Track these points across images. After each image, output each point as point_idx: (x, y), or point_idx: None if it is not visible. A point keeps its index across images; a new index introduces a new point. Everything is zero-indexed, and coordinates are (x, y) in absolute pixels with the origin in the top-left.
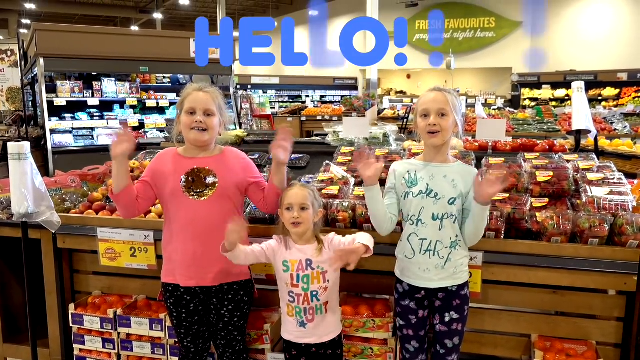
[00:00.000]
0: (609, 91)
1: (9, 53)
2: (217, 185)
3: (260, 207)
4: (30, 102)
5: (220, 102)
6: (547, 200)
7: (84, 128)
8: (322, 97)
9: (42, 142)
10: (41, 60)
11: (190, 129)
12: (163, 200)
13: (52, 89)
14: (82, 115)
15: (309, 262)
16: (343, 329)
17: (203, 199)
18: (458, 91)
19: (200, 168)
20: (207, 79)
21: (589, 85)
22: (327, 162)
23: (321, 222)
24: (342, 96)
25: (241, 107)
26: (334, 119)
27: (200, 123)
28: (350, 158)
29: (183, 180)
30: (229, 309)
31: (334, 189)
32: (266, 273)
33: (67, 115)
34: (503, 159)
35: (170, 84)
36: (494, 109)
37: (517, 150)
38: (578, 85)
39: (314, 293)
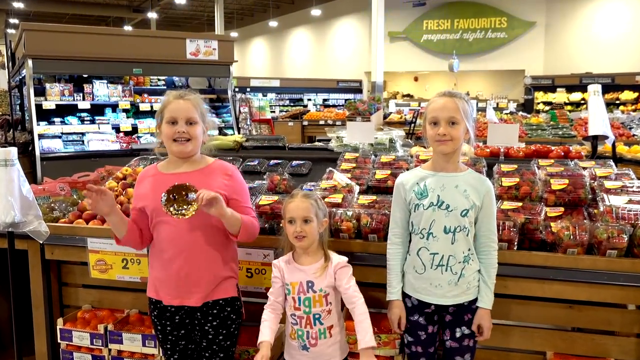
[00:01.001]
0: (627, 95)
1: None
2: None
3: None
4: (18, 106)
5: (201, 108)
6: (562, 209)
7: (74, 133)
8: (324, 100)
9: (30, 148)
10: (29, 62)
11: (173, 140)
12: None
13: (40, 91)
14: (72, 120)
15: (310, 284)
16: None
17: (186, 217)
18: (468, 94)
19: (181, 185)
20: (203, 82)
21: (606, 89)
22: (330, 168)
23: (327, 232)
24: (345, 99)
25: (239, 111)
26: (337, 123)
27: (183, 133)
28: (354, 165)
29: (164, 198)
30: (214, 325)
31: (337, 198)
32: (265, 286)
33: (57, 120)
34: (515, 166)
35: (165, 87)
36: (506, 113)
37: (530, 157)
38: (594, 89)
39: (317, 316)
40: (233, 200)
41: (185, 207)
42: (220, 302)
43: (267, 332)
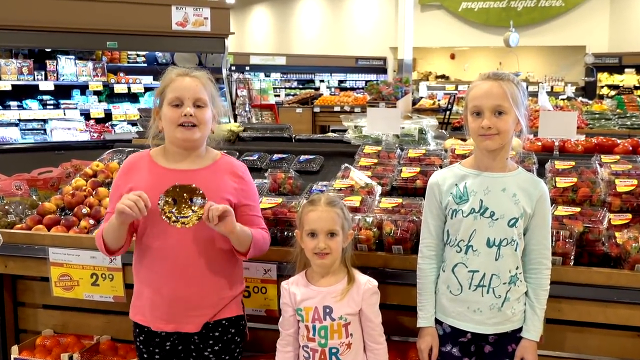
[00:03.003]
0: None
1: None
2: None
3: None
4: None
5: (212, 89)
6: (629, 216)
7: (35, 120)
8: (340, 82)
9: None
10: None
11: (177, 125)
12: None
13: None
14: (32, 104)
15: (327, 310)
16: None
17: (187, 226)
18: (518, 76)
19: (185, 186)
20: (193, 58)
21: None
22: (346, 165)
23: (351, 246)
24: (366, 81)
25: (236, 95)
26: (355, 110)
27: (190, 117)
28: (376, 160)
29: (162, 201)
30: (215, 350)
31: (354, 200)
32: (266, 308)
33: (13, 104)
34: (573, 163)
35: (145, 64)
36: (562, 99)
37: (591, 152)
38: None
39: (334, 351)
40: (243, 208)
41: (187, 214)
42: (224, 322)
43: None
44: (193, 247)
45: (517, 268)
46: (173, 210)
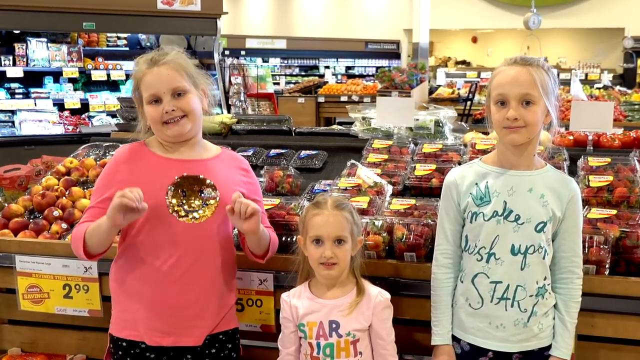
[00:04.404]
0: None
1: None
2: (217, 202)
3: (242, 243)
4: None
5: (189, 69)
6: None
7: (1, 111)
8: (348, 68)
9: None
10: None
11: (163, 123)
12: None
13: None
14: None
15: (334, 326)
16: None
17: (198, 221)
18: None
19: (192, 177)
20: (181, 41)
21: None
22: (353, 161)
23: (361, 253)
24: (377, 67)
25: (230, 82)
26: (364, 100)
27: (173, 112)
28: (386, 156)
29: (170, 193)
30: None
31: (362, 201)
32: (262, 323)
33: None
34: (609, 159)
35: (127, 48)
36: (598, 88)
37: (629, 147)
38: None
39: None
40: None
41: (198, 208)
42: (221, 337)
43: None
44: (203, 245)
45: (545, 279)
46: (182, 204)
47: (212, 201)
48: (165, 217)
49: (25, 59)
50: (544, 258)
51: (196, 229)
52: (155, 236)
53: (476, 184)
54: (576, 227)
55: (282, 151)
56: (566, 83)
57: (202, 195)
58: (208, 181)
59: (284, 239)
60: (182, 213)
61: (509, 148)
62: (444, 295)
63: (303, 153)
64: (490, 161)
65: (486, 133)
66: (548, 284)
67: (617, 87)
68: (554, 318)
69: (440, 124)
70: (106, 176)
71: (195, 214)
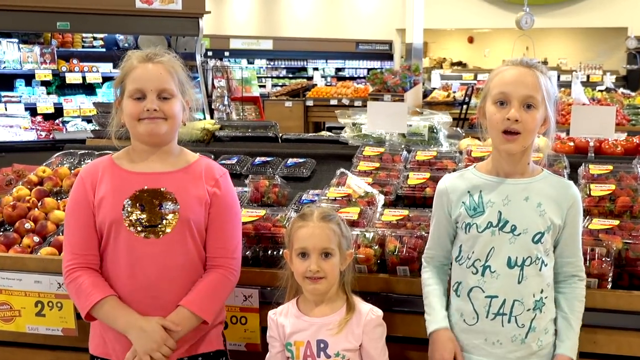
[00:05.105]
0: None
1: None
2: (177, 216)
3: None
4: None
5: (180, 75)
6: None
7: None
8: (338, 70)
9: None
10: None
11: (139, 119)
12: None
13: None
14: None
15: (322, 346)
16: None
17: (156, 237)
18: (546, 62)
19: (153, 190)
20: (161, 42)
21: None
22: (343, 170)
23: (351, 267)
24: (368, 69)
25: (213, 86)
26: (355, 103)
27: (154, 111)
28: (378, 164)
29: (127, 206)
30: None
31: (352, 212)
32: (247, 342)
33: None
34: (611, 167)
35: (103, 50)
36: (600, 90)
37: (632, 154)
38: None
39: None
40: (213, 226)
41: (156, 223)
42: (199, 359)
43: None
44: (163, 262)
45: (542, 292)
46: (140, 219)
47: (171, 216)
48: (125, 233)
49: None
50: (540, 270)
51: (156, 245)
52: (117, 253)
53: (469, 192)
54: (579, 232)
55: (268, 159)
56: (567, 85)
57: (161, 209)
58: (169, 194)
59: (269, 252)
60: (139, 228)
61: (504, 156)
62: (434, 290)
63: (290, 161)
64: (485, 169)
65: (482, 139)
66: (545, 297)
67: (620, 90)
68: (554, 334)
69: (435, 130)
70: (75, 198)
71: (154, 229)
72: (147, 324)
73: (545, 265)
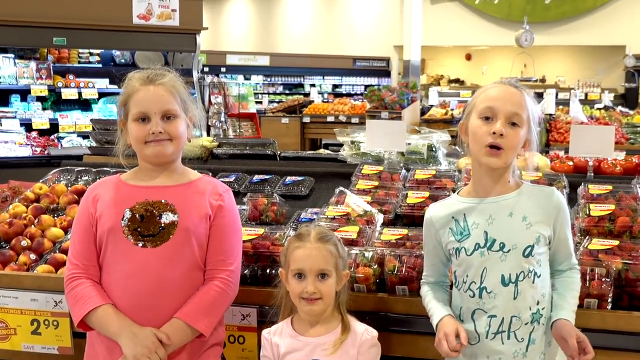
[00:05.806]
0: None
1: None
2: (176, 226)
3: None
4: None
5: (182, 94)
6: None
7: None
8: (335, 87)
9: None
10: None
11: (145, 142)
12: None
13: None
14: None
15: None
16: None
17: (155, 246)
18: (544, 80)
19: (153, 201)
20: (157, 58)
21: None
22: (341, 188)
23: (347, 288)
24: (366, 86)
25: (210, 102)
26: (352, 120)
27: (160, 134)
28: (377, 183)
29: (127, 216)
30: None
31: (351, 231)
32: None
33: None
34: (610, 187)
35: (100, 65)
36: (599, 109)
37: (632, 174)
38: None
39: None
40: (214, 238)
41: (155, 232)
42: None
43: None
44: (161, 272)
45: (537, 303)
46: (138, 229)
47: (170, 226)
48: (123, 242)
49: None
50: (533, 282)
51: (154, 255)
52: (115, 261)
53: (453, 219)
54: (568, 235)
55: (266, 177)
56: (565, 103)
57: (161, 219)
58: (170, 206)
59: (267, 271)
60: (139, 238)
61: (485, 171)
62: (434, 293)
63: (288, 179)
64: (466, 193)
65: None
66: (542, 308)
67: (619, 108)
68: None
69: (434, 149)
70: (80, 210)
71: (152, 239)
72: (140, 330)
73: (539, 277)
